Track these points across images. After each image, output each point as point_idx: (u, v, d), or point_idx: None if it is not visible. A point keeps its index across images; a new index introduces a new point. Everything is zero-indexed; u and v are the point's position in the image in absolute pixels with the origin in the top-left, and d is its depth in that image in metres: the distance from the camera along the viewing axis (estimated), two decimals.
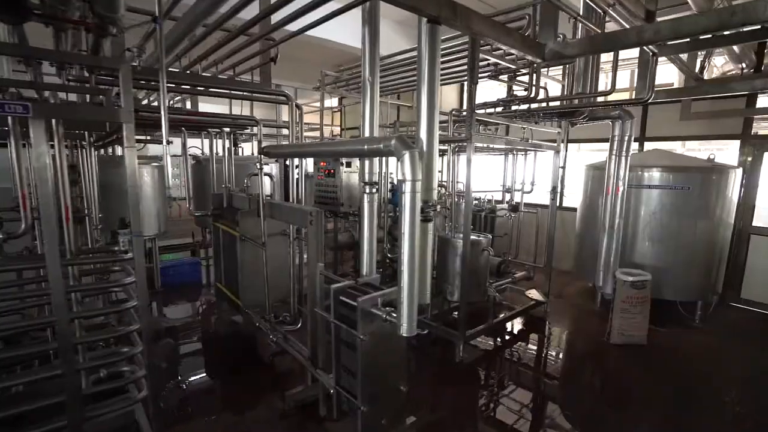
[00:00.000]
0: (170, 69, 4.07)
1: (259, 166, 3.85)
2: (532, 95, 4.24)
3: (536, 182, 7.18)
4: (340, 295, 2.72)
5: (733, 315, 5.89)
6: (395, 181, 5.62)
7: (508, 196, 7.39)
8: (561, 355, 4.81)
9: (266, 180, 4.86)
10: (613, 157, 4.87)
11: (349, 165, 5.63)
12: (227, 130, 4.81)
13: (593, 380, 4.40)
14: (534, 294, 5.92)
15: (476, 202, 7.87)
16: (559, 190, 5.82)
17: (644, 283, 4.71)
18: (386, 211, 5.56)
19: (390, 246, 5.61)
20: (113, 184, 5.07)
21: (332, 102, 10.43)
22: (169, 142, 2.90)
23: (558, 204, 5.72)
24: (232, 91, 4.00)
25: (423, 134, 2.39)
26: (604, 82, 10.27)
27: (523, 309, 5.52)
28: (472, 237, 4.81)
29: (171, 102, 6.48)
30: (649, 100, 3.79)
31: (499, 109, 5.04)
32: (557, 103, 4.86)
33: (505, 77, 4.79)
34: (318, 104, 7.80)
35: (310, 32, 2.99)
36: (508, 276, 5.84)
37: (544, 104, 4.95)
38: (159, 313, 5.90)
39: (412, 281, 2.29)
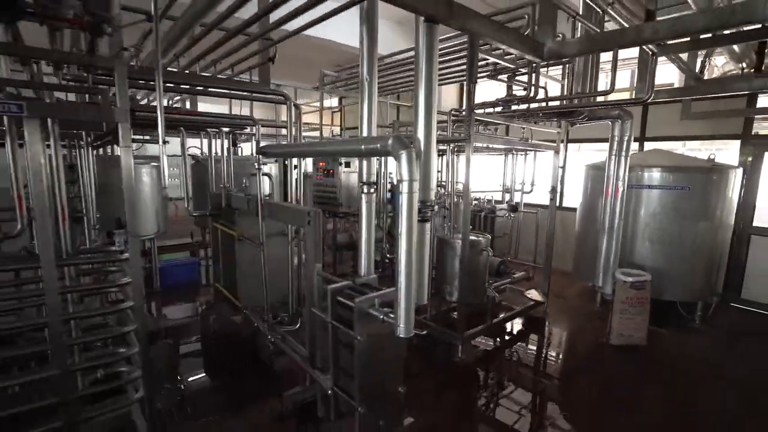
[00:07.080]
0: (169, 69, 4.05)
1: (257, 166, 3.83)
2: (531, 95, 4.23)
3: (536, 182, 7.18)
4: (338, 295, 2.70)
5: (734, 316, 5.86)
6: (394, 181, 5.61)
7: (507, 196, 7.40)
8: (560, 356, 4.80)
9: (265, 180, 4.83)
10: (613, 157, 4.84)
11: (348, 165, 5.62)
12: (226, 130, 4.79)
13: (593, 381, 4.38)
14: (534, 294, 5.91)
15: (476, 202, 7.88)
16: (558, 190, 5.81)
17: (643, 284, 4.69)
18: (385, 211, 5.55)
19: (389, 246, 5.60)
20: (111, 184, 5.03)
21: (332, 102, 10.42)
22: (165, 142, 2.88)
23: (558, 204, 5.71)
24: (231, 91, 3.97)
25: (421, 134, 2.37)
26: (604, 82, 10.16)
27: (522, 309, 5.51)
28: (471, 237, 4.81)
29: (170, 102, 6.46)
30: (649, 100, 3.77)
31: (498, 109, 5.03)
32: (557, 103, 4.85)
33: (504, 77, 4.78)
34: (317, 104, 7.79)
35: (308, 32, 2.96)
36: (507, 276, 5.86)
37: (543, 104, 4.93)
38: (158, 313, 5.89)
39: (409, 282, 2.27)
